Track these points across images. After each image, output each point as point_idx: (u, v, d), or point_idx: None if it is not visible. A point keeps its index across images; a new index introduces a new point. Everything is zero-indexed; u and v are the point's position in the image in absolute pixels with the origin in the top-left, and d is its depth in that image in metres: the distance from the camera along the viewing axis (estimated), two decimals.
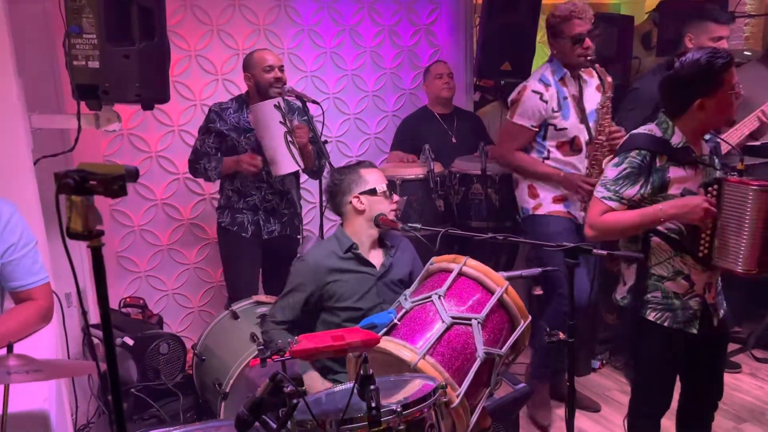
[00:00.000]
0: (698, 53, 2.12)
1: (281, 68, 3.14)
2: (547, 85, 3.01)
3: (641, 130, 2.26)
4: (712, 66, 2.09)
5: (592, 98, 3.09)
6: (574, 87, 3.06)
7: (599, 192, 2.25)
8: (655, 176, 2.16)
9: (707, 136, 2.28)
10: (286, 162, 3.00)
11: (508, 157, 3.14)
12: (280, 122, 2.97)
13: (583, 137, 3.05)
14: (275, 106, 2.96)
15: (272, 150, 3.00)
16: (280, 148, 2.98)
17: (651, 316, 2.23)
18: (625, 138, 2.34)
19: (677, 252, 2.19)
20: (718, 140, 2.37)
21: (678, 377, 2.38)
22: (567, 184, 3.03)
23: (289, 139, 3.00)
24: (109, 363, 1.05)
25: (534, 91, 3.00)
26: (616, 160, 2.23)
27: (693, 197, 2.13)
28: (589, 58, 2.98)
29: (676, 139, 2.18)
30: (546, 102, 2.99)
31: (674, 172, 2.17)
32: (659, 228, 2.19)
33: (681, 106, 2.16)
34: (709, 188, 2.14)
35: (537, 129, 3.05)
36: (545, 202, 3.10)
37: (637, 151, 2.18)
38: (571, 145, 3.05)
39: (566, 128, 3.02)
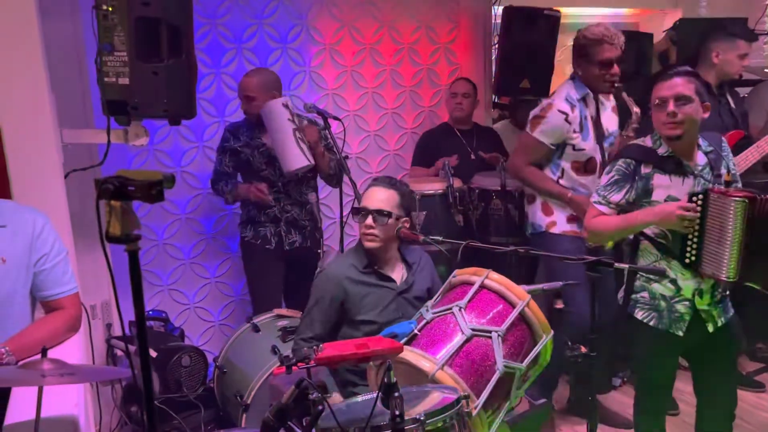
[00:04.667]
0: None
1: (248, 98, 3.20)
2: (572, 106, 3.00)
3: (636, 140, 2.47)
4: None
5: (609, 120, 3.10)
6: (593, 108, 3.07)
7: (593, 197, 2.46)
8: (639, 183, 2.33)
9: (709, 148, 2.37)
10: (296, 157, 3.04)
11: (521, 170, 3.15)
12: (288, 119, 3.04)
13: (598, 158, 3.06)
14: (283, 104, 3.05)
15: (281, 146, 3.06)
16: (289, 143, 3.04)
17: (639, 314, 2.38)
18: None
19: (664, 256, 2.32)
20: (724, 154, 2.42)
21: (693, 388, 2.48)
22: (575, 206, 3.03)
23: (298, 135, 3.05)
24: (142, 359, 1.08)
25: (560, 111, 2.99)
26: (608, 168, 2.44)
27: (668, 204, 2.26)
28: (615, 84, 2.98)
29: (663, 149, 2.32)
30: (570, 123, 2.99)
31: (658, 179, 2.32)
32: (647, 232, 2.33)
33: None
34: (694, 197, 2.23)
35: (554, 148, 3.05)
36: (560, 221, 3.10)
37: (623, 160, 2.36)
38: (586, 166, 3.06)
39: (584, 149, 3.03)
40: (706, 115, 2.31)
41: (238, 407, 2.65)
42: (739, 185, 2.43)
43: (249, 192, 3.22)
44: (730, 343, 2.41)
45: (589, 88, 3.03)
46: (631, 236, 2.41)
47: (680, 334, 2.32)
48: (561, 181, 3.07)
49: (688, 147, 2.32)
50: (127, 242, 1.06)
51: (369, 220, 2.41)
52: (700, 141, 2.36)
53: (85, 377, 1.54)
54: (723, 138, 2.46)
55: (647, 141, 2.38)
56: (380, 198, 2.43)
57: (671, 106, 2.24)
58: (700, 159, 2.35)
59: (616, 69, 2.96)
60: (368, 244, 2.42)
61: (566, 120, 2.99)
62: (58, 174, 2.46)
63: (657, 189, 2.31)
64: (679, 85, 2.25)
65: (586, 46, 2.99)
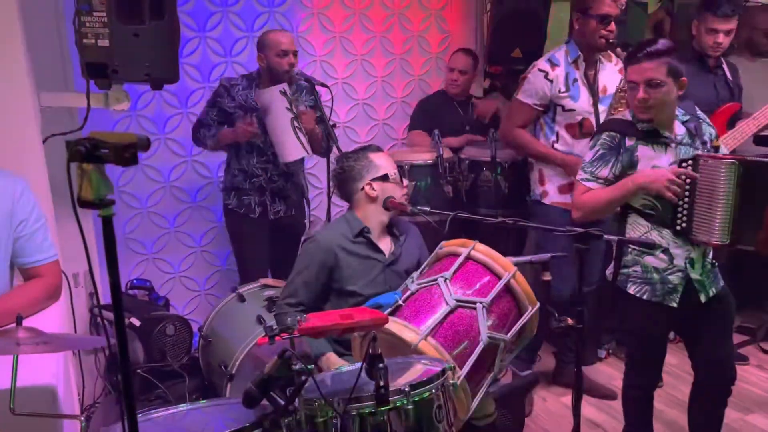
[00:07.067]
0: None
1: (295, 53, 3.11)
2: (554, 65, 2.99)
3: (617, 115, 2.45)
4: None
5: (610, 82, 3.06)
6: (589, 70, 3.03)
7: (579, 175, 2.41)
8: (624, 155, 2.32)
9: (685, 118, 2.37)
10: (294, 149, 2.99)
11: (509, 133, 3.14)
12: (287, 108, 2.97)
13: (594, 121, 3.02)
14: (281, 92, 2.95)
15: (279, 137, 2.99)
16: (288, 134, 2.97)
17: (631, 289, 2.36)
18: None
19: (654, 226, 2.31)
20: (701, 120, 2.42)
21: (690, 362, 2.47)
22: (567, 168, 3.00)
23: (296, 125, 2.98)
24: (118, 335, 1.04)
25: (540, 70, 3.00)
26: (591, 143, 2.39)
27: (661, 169, 2.27)
28: (610, 41, 2.94)
29: (642, 124, 2.32)
30: (551, 81, 2.97)
31: (642, 151, 2.31)
32: (634, 204, 2.32)
33: None
34: (684, 163, 2.25)
35: (541, 109, 3.04)
36: (551, 192, 3.09)
37: (607, 133, 2.35)
38: (580, 129, 3.02)
39: (574, 109, 3.00)
40: (681, 92, 2.29)
41: (223, 377, 2.63)
42: (724, 151, 2.44)
43: (236, 133, 3.09)
44: (724, 314, 2.41)
45: (585, 45, 2.99)
46: (618, 210, 2.38)
47: (674, 305, 2.31)
48: (557, 146, 3.05)
49: (667, 120, 2.32)
50: (100, 207, 1.02)
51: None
52: (677, 111, 2.36)
53: (60, 346, 1.50)
54: (696, 107, 2.45)
55: (626, 114, 2.37)
56: None
57: (641, 93, 2.23)
58: (679, 129, 2.35)
59: (612, 26, 2.92)
60: None
61: (546, 78, 2.97)
62: (36, 138, 2.38)
63: (642, 160, 2.31)
64: (649, 69, 2.21)
65: (586, 0, 2.94)
